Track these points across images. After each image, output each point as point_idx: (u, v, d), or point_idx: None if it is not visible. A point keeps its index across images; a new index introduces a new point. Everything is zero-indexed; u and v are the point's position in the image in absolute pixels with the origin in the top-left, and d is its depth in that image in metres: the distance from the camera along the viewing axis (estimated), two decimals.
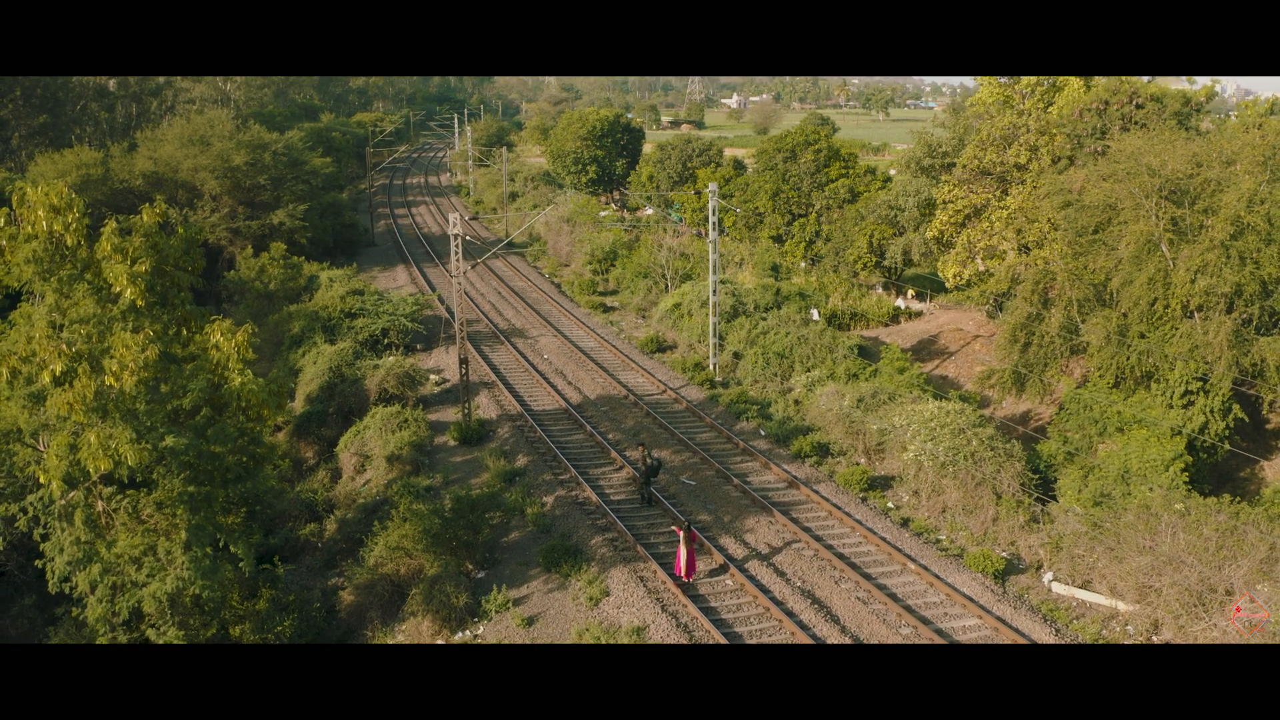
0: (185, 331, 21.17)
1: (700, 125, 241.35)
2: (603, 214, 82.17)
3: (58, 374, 17.24)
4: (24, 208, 19.91)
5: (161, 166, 59.77)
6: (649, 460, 26.79)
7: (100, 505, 20.41)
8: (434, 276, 61.86)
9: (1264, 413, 34.21)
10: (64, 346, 17.29)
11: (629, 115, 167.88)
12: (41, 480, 17.45)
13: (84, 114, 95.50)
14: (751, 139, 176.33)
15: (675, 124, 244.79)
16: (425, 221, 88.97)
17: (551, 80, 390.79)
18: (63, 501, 18.73)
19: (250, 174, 60.34)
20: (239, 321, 21.99)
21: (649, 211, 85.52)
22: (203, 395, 18.36)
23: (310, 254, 59.45)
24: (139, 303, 18.76)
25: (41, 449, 19.52)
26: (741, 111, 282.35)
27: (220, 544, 20.06)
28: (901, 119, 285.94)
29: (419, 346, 44.01)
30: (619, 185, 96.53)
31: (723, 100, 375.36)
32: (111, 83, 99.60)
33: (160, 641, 20.49)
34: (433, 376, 39.24)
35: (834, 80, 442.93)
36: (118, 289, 18.94)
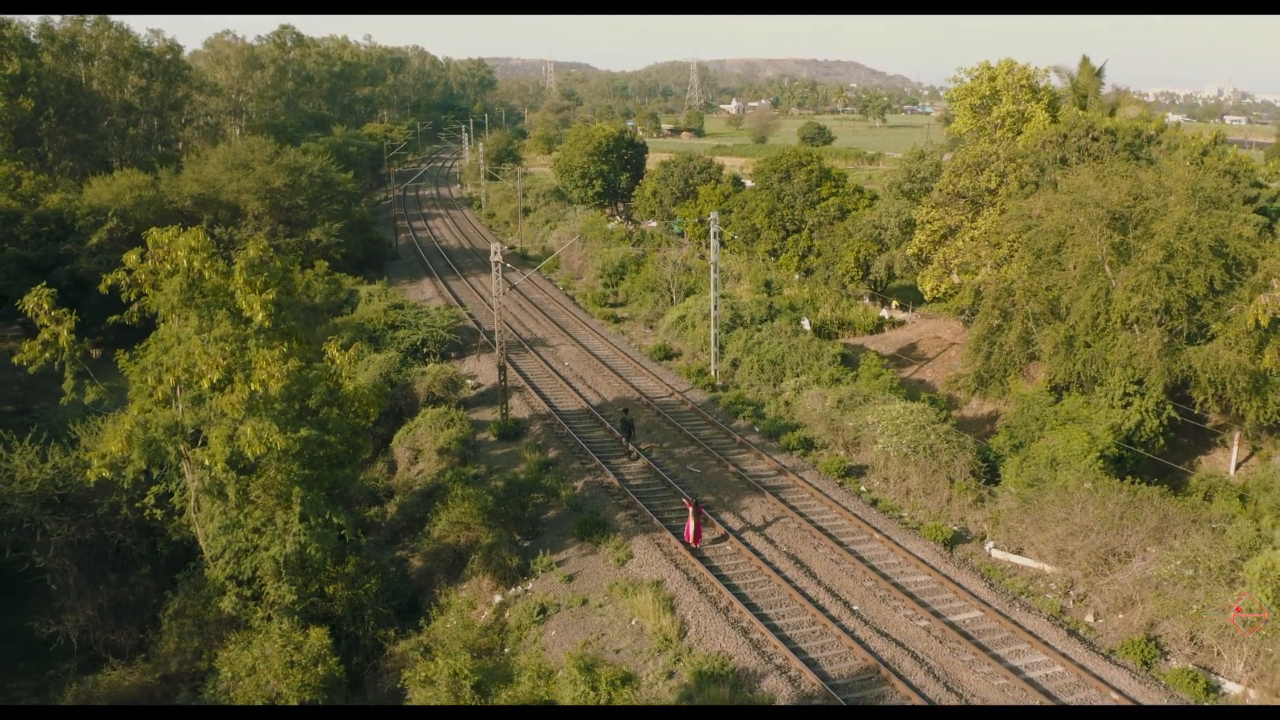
0: (289, 346, 26.49)
1: (699, 133, 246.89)
2: (610, 225, 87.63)
3: (215, 381, 22.53)
4: (158, 248, 25.23)
5: (206, 188, 64.97)
6: (626, 418, 34.91)
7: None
8: (457, 289, 67.16)
9: (1196, 412, 39.04)
10: (219, 359, 22.57)
11: (630, 124, 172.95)
12: (206, 463, 22.67)
13: (110, 129, 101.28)
14: (750, 148, 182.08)
15: (675, 131, 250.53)
16: (443, 235, 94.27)
17: (552, 85, 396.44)
18: (209, 479, 24.02)
19: (289, 195, 65.63)
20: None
21: (652, 224, 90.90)
22: (324, 396, 23.63)
23: (343, 268, 64.78)
24: (266, 324, 24.08)
25: (183, 443, 24.68)
26: (740, 118, 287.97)
27: (325, 515, 25.30)
28: (899, 124, 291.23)
29: (453, 355, 49.34)
30: (623, 198, 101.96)
31: (722, 106, 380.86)
32: (135, 98, 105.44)
33: (274, 596, 25.76)
34: (469, 381, 44.58)
35: (831, 85, 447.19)
36: (248, 314, 24.24)
